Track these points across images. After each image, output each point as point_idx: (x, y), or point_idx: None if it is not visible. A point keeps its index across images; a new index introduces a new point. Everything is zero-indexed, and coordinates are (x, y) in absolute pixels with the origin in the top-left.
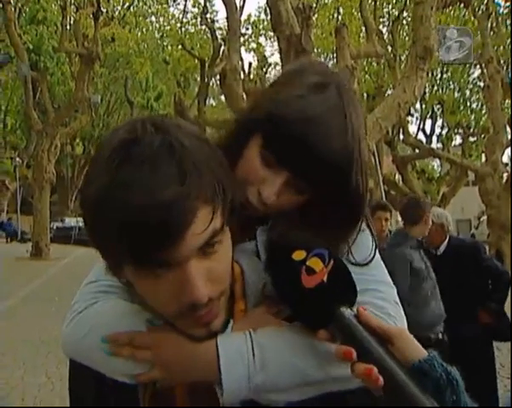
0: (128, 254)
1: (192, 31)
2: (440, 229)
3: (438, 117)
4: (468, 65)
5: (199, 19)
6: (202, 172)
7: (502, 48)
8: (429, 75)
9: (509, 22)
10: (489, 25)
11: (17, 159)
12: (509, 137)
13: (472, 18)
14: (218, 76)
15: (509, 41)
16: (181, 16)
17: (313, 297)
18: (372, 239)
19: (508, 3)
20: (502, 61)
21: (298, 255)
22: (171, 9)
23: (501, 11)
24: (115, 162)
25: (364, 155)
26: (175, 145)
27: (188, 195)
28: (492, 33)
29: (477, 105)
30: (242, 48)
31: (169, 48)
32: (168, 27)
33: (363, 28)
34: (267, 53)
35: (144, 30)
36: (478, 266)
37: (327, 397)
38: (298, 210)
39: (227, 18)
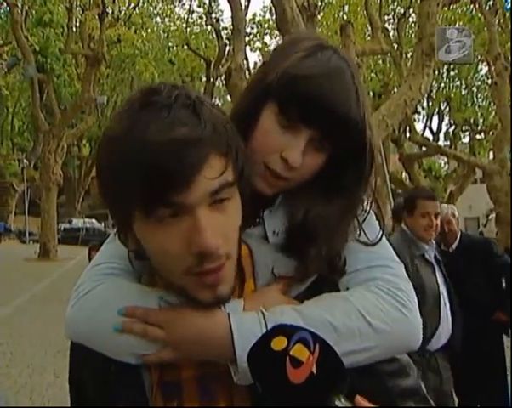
0: (141, 197)
1: (197, 30)
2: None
3: (445, 115)
4: (475, 62)
5: (204, 19)
6: (217, 124)
7: (509, 44)
8: (436, 72)
9: None
10: (496, 21)
11: (24, 161)
12: None
13: (479, 14)
14: (223, 76)
15: None
16: (186, 16)
17: (303, 392)
18: (378, 220)
19: None
20: (510, 57)
21: (279, 343)
22: (176, 10)
23: (508, 7)
24: (135, 108)
25: (370, 119)
26: (192, 97)
27: (202, 137)
28: (499, 29)
29: (485, 102)
30: (247, 48)
31: (175, 48)
32: (174, 27)
33: (368, 26)
34: None
35: (149, 30)
36: (490, 263)
37: None
38: (310, 182)
39: (232, 17)
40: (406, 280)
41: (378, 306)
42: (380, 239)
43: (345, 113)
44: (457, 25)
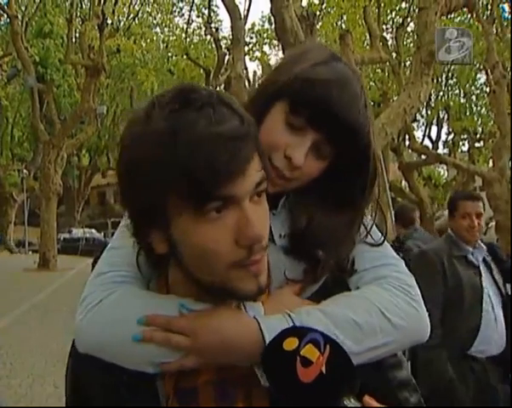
0: (191, 192)
1: (197, 40)
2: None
3: (444, 123)
4: (474, 70)
5: (203, 29)
6: (252, 122)
7: (507, 52)
8: (435, 80)
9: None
10: (494, 30)
11: (24, 171)
12: None
13: (476, 23)
14: (222, 85)
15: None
16: (186, 26)
17: (312, 391)
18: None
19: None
20: (508, 66)
21: (290, 344)
22: (176, 20)
23: (506, 16)
24: (172, 107)
25: (374, 135)
26: (227, 97)
27: (248, 133)
28: (497, 38)
29: (484, 110)
30: (247, 57)
31: (174, 58)
32: (173, 37)
33: (367, 35)
34: (271, 62)
35: (149, 40)
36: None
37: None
38: (314, 186)
39: (231, 26)
40: (411, 276)
41: (393, 302)
42: (383, 241)
43: (352, 122)
44: None
